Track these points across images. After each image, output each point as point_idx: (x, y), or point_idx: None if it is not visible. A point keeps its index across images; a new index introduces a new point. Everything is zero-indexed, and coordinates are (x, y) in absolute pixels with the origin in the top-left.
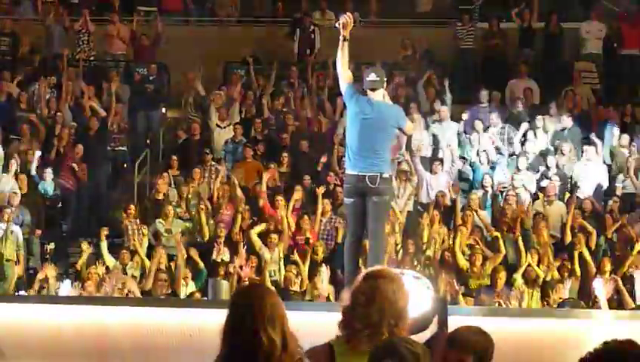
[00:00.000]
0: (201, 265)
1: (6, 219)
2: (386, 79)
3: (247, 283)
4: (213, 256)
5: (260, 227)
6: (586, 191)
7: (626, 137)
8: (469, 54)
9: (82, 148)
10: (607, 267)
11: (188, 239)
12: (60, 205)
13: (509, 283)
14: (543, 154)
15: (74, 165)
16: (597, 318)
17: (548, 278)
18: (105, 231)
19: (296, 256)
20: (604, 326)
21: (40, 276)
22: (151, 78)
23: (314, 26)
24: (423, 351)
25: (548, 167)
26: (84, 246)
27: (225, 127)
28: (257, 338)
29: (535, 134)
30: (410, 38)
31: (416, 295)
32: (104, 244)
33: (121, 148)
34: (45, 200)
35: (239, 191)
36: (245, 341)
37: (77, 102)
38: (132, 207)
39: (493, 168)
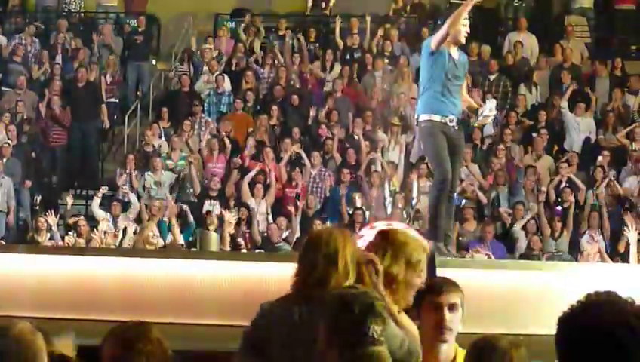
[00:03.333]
0: (191, 218)
1: None
2: (440, 22)
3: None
4: (204, 208)
5: (252, 173)
6: (575, 145)
7: (617, 91)
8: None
9: (69, 100)
10: (596, 222)
11: (178, 192)
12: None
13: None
14: (534, 109)
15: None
16: (582, 272)
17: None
18: (104, 190)
19: (291, 209)
20: (589, 279)
21: (40, 225)
22: (140, 30)
23: None
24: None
25: (538, 121)
26: (69, 199)
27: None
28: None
29: (529, 89)
30: None
31: None
32: (97, 200)
33: (113, 100)
34: (35, 152)
35: (228, 143)
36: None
37: (67, 54)
38: (130, 157)
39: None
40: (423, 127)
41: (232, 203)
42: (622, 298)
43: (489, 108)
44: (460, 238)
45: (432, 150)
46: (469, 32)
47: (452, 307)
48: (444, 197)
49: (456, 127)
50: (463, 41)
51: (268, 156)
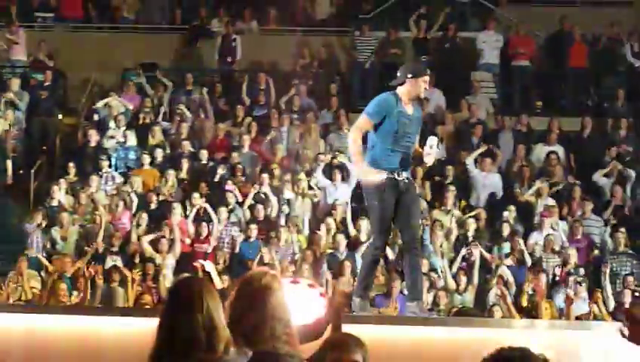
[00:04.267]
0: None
1: None
2: (410, 75)
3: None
4: (107, 264)
5: (153, 235)
6: (481, 200)
7: (521, 147)
8: (365, 64)
9: None
10: (503, 276)
11: (84, 247)
12: None
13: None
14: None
15: None
16: (491, 327)
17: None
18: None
19: (198, 264)
20: (500, 335)
21: None
22: (46, 84)
23: (236, 34)
24: None
25: (445, 176)
26: None
27: (121, 134)
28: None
29: (438, 144)
30: (309, 46)
31: (310, 303)
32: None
33: (15, 154)
34: None
35: (135, 199)
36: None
37: None
38: (36, 213)
39: None
40: (368, 185)
41: (137, 259)
42: (534, 354)
43: (430, 146)
44: None
45: (375, 214)
46: (427, 87)
47: None
48: (375, 264)
49: (406, 181)
50: (423, 96)
51: (174, 211)
